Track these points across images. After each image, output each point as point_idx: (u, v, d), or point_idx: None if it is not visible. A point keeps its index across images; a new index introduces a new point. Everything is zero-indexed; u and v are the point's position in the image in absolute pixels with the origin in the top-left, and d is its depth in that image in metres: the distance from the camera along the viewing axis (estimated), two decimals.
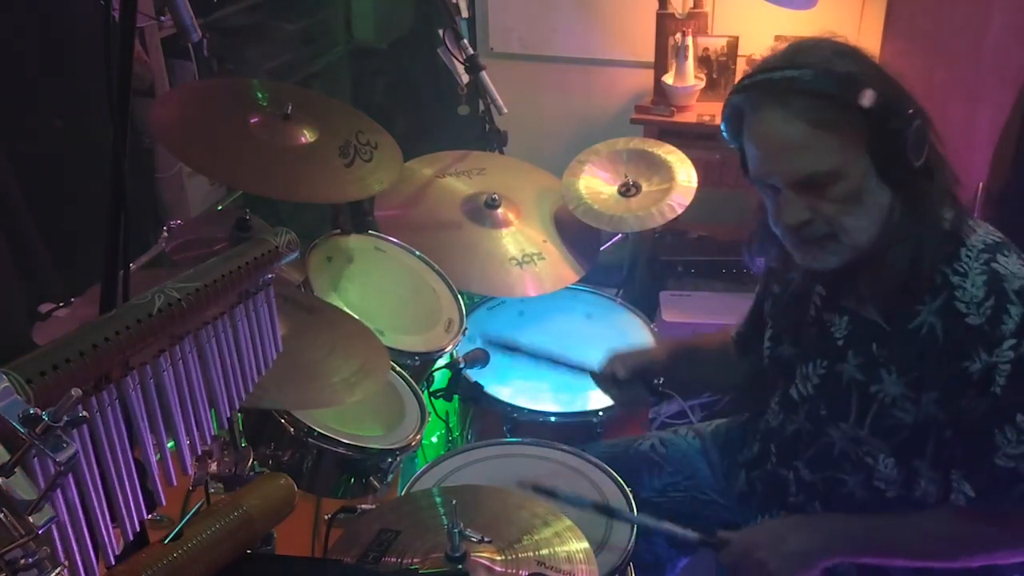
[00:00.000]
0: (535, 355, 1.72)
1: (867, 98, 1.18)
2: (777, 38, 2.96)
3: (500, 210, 2.23)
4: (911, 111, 1.22)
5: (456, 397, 1.94)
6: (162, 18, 2.63)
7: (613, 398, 1.68)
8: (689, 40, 2.92)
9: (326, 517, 1.50)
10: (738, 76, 3.00)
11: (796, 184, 1.25)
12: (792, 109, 1.21)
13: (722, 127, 1.34)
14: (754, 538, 1.39)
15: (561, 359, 1.69)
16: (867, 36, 2.98)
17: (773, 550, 1.36)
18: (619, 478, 1.58)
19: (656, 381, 1.62)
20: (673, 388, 1.63)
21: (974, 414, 1.23)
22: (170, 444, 0.94)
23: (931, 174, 1.25)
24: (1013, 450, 1.21)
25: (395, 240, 2.10)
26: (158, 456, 0.92)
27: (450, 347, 1.93)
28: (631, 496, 1.54)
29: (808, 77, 1.20)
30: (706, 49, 2.99)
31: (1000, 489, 1.24)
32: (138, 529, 0.89)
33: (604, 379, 1.63)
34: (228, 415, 1.06)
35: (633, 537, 1.46)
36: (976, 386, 1.22)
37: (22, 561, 0.71)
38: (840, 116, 1.20)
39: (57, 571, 0.73)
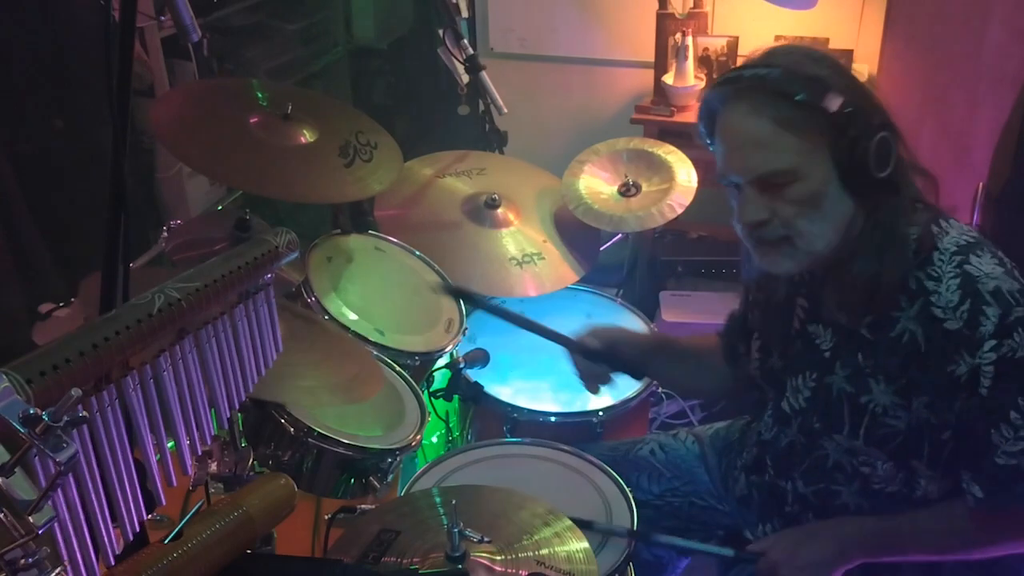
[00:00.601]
0: (511, 319, 1.63)
1: (831, 102, 1.19)
2: (777, 38, 2.97)
3: (500, 210, 2.23)
4: (877, 123, 1.23)
5: (456, 397, 1.94)
6: (162, 18, 2.63)
7: (578, 369, 1.63)
8: (689, 40, 2.92)
9: (326, 517, 1.50)
10: None
11: (756, 181, 1.26)
12: (756, 105, 1.24)
13: (700, 127, 1.36)
14: (776, 554, 1.40)
15: (537, 327, 1.62)
16: (867, 36, 2.99)
17: (792, 564, 1.37)
18: (619, 479, 1.58)
19: (626, 365, 1.60)
20: (652, 376, 1.64)
21: (970, 415, 1.23)
22: (170, 444, 0.94)
23: (896, 187, 1.26)
24: (1012, 447, 1.22)
25: (395, 240, 2.10)
26: (158, 456, 0.92)
27: (450, 347, 1.93)
28: (631, 497, 1.54)
29: (775, 76, 1.22)
30: (706, 49, 2.99)
31: (1005, 488, 1.24)
32: (138, 529, 0.89)
33: (575, 346, 1.60)
34: (228, 415, 1.06)
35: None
36: (966, 388, 1.22)
37: (22, 561, 0.71)
38: (804, 117, 1.21)
39: (57, 571, 0.73)
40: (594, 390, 1.64)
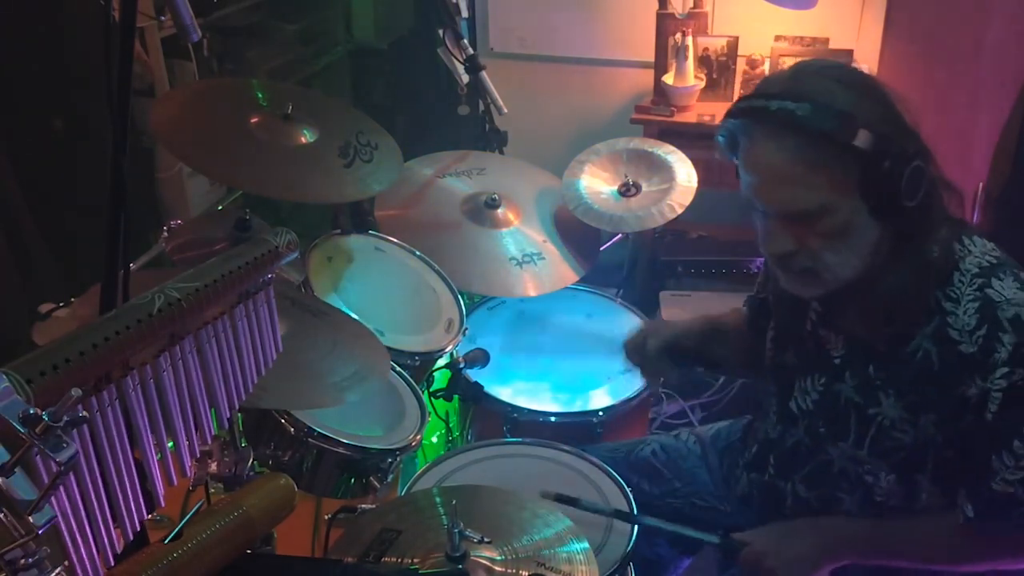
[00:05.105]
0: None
1: (863, 140, 1.15)
2: (777, 38, 2.97)
3: (500, 210, 2.23)
4: (911, 151, 1.18)
5: (456, 397, 1.94)
6: (162, 18, 2.63)
7: (640, 370, 1.66)
8: (689, 40, 2.92)
9: (326, 517, 1.50)
10: (738, 76, 3.01)
11: (782, 216, 1.24)
12: (784, 143, 1.19)
13: (720, 142, 1.31)
14: (762, 545, 1.40)
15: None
16: (867, 36, 2.99)
17: (778, 557, 1.36)
18: (619, 478, 1.58)
19: (683, 358, 1.61)
20: (700, 365, 1.64)
21: (973, 437, 1.23)
22: (170, 444, 0.94)
23: (926, 209, 1.23)
24: (1011, 476, 1.21)
25: (395, 240, 2.10)
26: (158, 456, 0.92)
27: (450, 347, 1.93)
28: (631, 496, 1.54)
29: (804, 112, 1.16)
30: (706, 49, 3.00)
31: (998, 513, 1.24)
32: (138, 529, 0.89)
33: (632, 350, 1.61)
34: (228, 415, 1.06)
35: (633, 537, 1.46)
36: (974, 410, 1.21)
37: (22, 561, 0.71)
38: (833, 155, 1.17)
39: (57, 571, 0.73)
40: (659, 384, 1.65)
